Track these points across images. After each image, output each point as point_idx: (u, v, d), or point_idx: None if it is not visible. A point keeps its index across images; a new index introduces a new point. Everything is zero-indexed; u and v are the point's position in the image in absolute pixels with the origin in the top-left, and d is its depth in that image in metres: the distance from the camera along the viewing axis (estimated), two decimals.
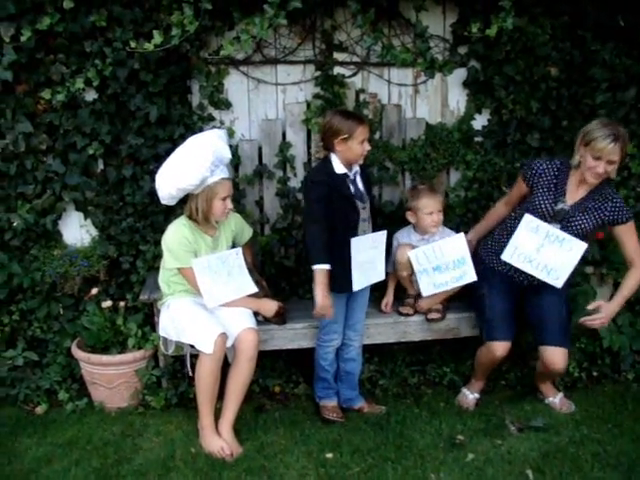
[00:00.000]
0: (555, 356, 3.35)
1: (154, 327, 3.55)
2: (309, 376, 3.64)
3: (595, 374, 3.87)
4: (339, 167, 3.21)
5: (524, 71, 3.81)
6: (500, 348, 3.39)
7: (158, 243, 3.48)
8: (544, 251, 3.28)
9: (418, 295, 3.64)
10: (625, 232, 3.32)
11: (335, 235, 3.17)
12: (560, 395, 3.62)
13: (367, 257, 3.27)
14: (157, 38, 3.30)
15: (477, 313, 3.58)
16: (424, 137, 3.91)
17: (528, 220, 3.29)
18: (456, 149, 3.92)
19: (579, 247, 3.26)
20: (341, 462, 3.09)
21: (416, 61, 3.68)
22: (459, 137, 3.92)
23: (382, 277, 3.42)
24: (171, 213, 3.63)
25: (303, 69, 3.82)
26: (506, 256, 3.35)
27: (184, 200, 3.26)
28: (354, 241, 3.18)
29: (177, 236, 3.23)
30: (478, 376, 3.64)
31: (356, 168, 3.27)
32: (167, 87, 3.62)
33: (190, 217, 3.26)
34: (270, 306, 3.41)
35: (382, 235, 3.34)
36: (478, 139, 3.97)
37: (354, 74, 3.85)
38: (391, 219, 3.87)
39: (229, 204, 3.24)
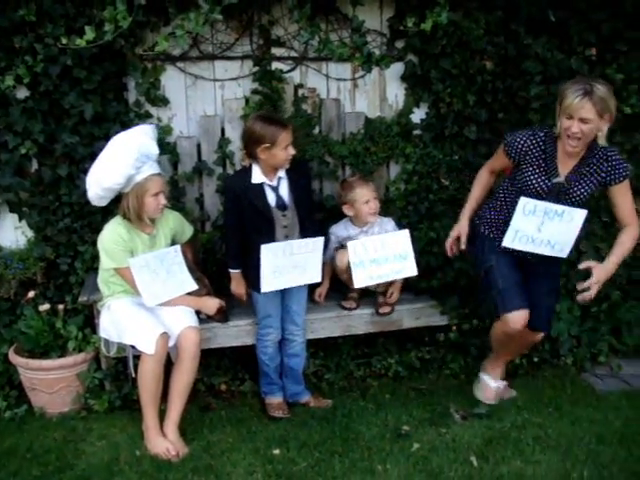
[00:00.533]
0: (535, 338, 3.38)
1: (95, 329, 3.50)
2: (255, 373, 3.64)
3: (535, 360, 3.96)
4: (258, 177, 3.25)
5: (460, 65, 3.87)
6: (519, 319, 3.18)
7: (96, 243, 3.42)
8: (545, 228, 3.13)
9: (362, 291, 3.68)
10: (620, 192, 3.13)
11: (251, 238, 3.29)
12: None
13: (290, 262, 3.27)
14: (89, 34, 3.24)
15: (488, 289, 3.33)
16: (363, 131, 3.94)
17: (524, 203, 3.11)
18: (395, 142, 3.96)
19: (579, 215, 3.10)
20: (288, 458, 3.11)
21: (353, 55, 3.71)
22: (398, 131, 3.96)
23: (316, 280, 3.43)
24: (109, 213, 3.56)
25: (241, 65, 3.80)
26: (507, 242, 3.19)
27: (120, 199, 3.22)
28: (264, 248, 3.19)
29: (112, 236, 3.19)
30: (500, 358, 3.52)
31: (280, 174, 3.29)
32: (102, 84, 3.56)
33: (124, 216, 3.22)
34: (211, 304, 3.40)
35: (319, 241, 3.33)
36: (417, 132, 4.01)
37: (292, 69, 3.85)
38: (333, 213, 3.89)
39: (162, 200, 3.21)
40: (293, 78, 3.86)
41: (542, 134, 3.15)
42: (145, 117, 3.70)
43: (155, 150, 3.22)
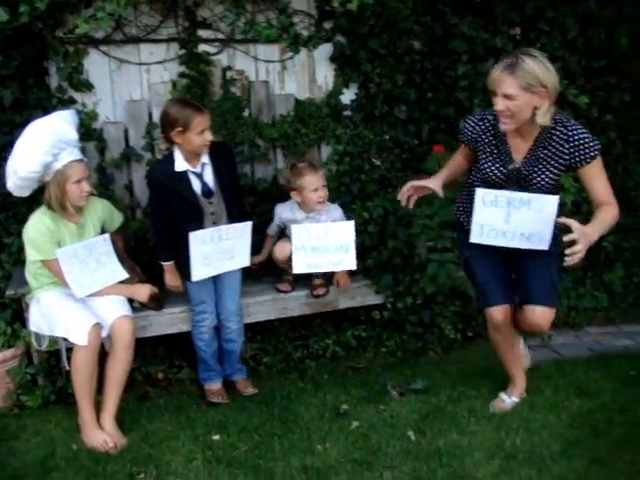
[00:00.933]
0: (542, 317, 3.02)
1: (24, 323, 3.41)
2: (192, 360, 3.62)
3: (470, 334, 4.06)
4: (181, 164, 3.21)
5: (388, 45, 3.91)
6: (498, 314, 3.07)
7: (22, 235, 3.33)
8: (513, 220, 2.87)
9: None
10: (591, 173, 2.85)
11: (179, 228, 3.25)
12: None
13: (219, 248, 3.26)
14: (3, 15, 3.14)
15: (470, 281, 3.29)
16: (293, 113, 3.94)
17: (482, 194, 2.90)
18: (326, 124, 3.97)
19: (549, 202, 2.82)
20: (228, 443, 3.11)
21: (281, 37, 3.70)
22: (328, 112, 3.98)
23: (245, 264, 3.43)
24: (34, 202, 3.46)
25: (167, 48, 3.75)
26: (475, 237, 2.96)
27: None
28: (192, 236, 3.17)
29: (38, 227, 3.11)
30: (509, 365, 3.32)
31: (204, 160, 3.26)
32: (21, 69, 3.45)
33: (49, 206, 3.15)
34: (143, 290, 3.37)
35: (246, 226, 3.33)
36: (347, 113, 4.04)
37: (219, 51, 3.82)
38: (265, 196, 3.90)
39: (85, 187, 3.14)
40: (221, 60, 3.83)
41: (492, 117, 2.93)
42: (69, 103, 3.61)
43: (73, 135, 3.14)
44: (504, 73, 2.69)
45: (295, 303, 3.70)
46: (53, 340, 3.26)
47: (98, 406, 3.18)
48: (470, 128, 2.98)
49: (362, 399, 3.47)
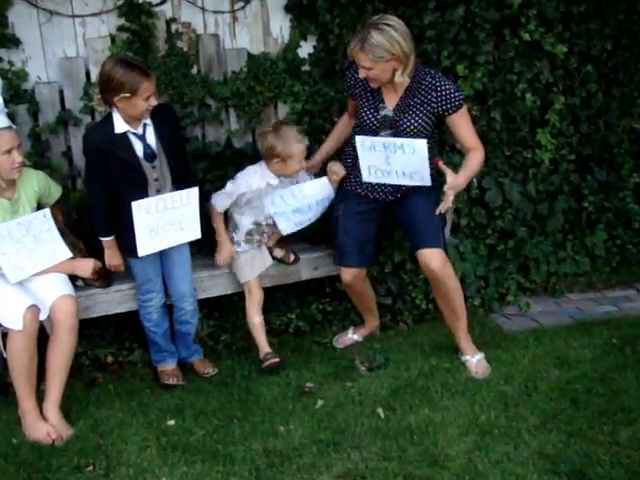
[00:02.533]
0: (429, 257, 3.33)
1: None
2: (145, 341, 3.58)
3: None
4: (120, 125, 3.13)
5: None
6: (347, 275, 3.54)
7: None
8: (392, 161, 3.24)
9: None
10: (457, 121, 3.29)
11: (120, 198, 3.18)
12: (479, 356, 3.53)
13: (165, 218, 3.20)
14: None
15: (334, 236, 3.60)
16: (246, 69, 3.87)
17: (360, 141, 3.27)
18: (282, 80, 3.91)
19: (419, 145, 3.19)
20: (184, 428, 3.10)
21: None
22: (285, 67, 3.91)
23: (196, 236, 3.37)
24: None
25: None
26: (365, 177, 3.35)
27: None
28: (135, 205, 3.10)
29: None
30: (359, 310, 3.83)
31: (146, 120, 3.17)
32: None
33: None
34: (85, 265, 3.29)
35: (193, 192, 3.25)
36: (305, 68, 3.98)
37: (163, 2, 3.71)
38: (217, 161, 3.84)
39: (17, 157, 3.01)
40: (164, 12, 3.73)
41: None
42: None
43: None
44: (356, 49, 3.11)
45: None
46: None
47: (41, 395, 3.13)
48: (353, 77, 3.36)
49: (328, 376, 3.48)
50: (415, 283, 3.94)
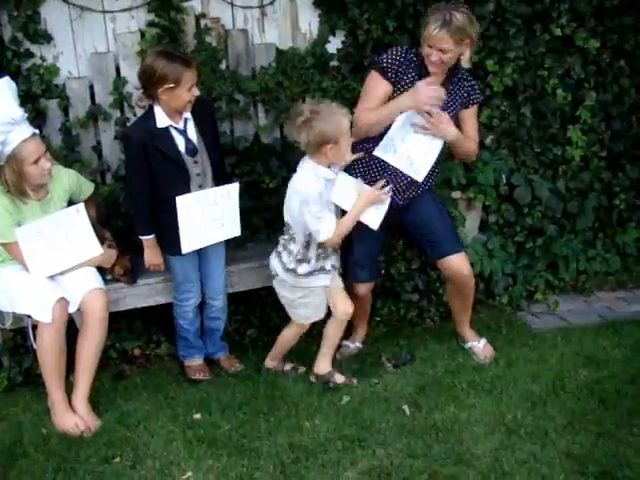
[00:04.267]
0: (460, 264, 3.41)
1: None
2: (171, 334, 3.61)
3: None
4: (162, 120, 3.12)
5: None
6: (364, 289, 3.56)
7: None
8: (409, 140, 3.22)
9: None
10: (471, 113, 3.39)
11: (162, 194, 3.17)
12: (483, 341, 3.66)
13: (208, 214, 3.21)
14: None
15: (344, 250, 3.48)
16: (275, 64, 3.88)
17: (410, 117, 3.19)
18: (310, 76, 3.91)
19: (448, 132, 3.23)
20: (210, 422, 3.12)
21: None
22: (313, 62, 3.91)
23: (236, 233, 3.39)
24: None
25: None
26: (379, 151, 3.25)
27: None
28: (180, 200, 3.11)
29: None
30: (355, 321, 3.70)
31: (187, 115, 3.18)
32: None
33: (7, 190, 3.05)
34: (109, 255, 3.32)
35: (233, 188, 3.27)
36: (334, 63, 3.98)
37: None
38: (245, 156, 3.85)
39: (45, 164, 3.03)
40: (194, 7, 3.74)
41: (412, 53, 3.29)
42: (25, 56, 3.52)
43: (16, 110, 2.98)
44: (442, 31, 3.08)
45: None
46: (18, 317, 3.20)
47: (70, 387, 3.16)
48: (397, 58, 3.26)
49: (354, 372, 3.48)
50: (442, 280, 3.91)
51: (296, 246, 3.16)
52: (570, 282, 4.39)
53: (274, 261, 3.26)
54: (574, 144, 4.23)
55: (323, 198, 3.06)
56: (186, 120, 3.18)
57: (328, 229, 3.05)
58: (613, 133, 4.41)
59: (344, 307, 3.33)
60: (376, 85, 3.28)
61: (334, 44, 3.97)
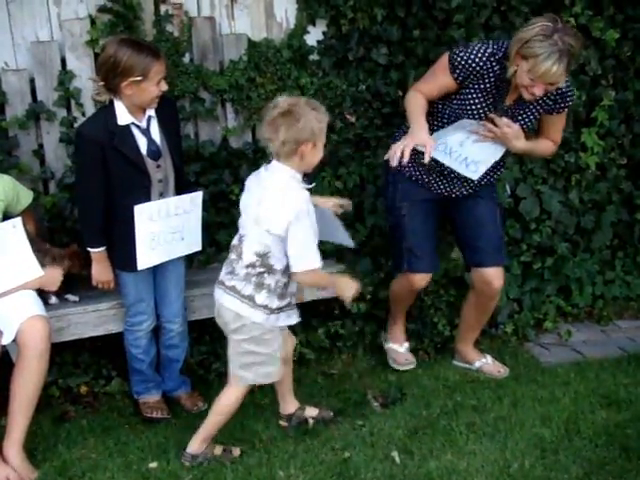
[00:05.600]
0: (494, 276, 3.53)
1: None
2: (124, 368, 3.56)
3: None
4: (124, 116, 3.11)
5: None
6: (423, 281, 3.59)
7: None
8: (467, 145, 3.33)
9: None
10: (558, 118, 3.43)
11: (116, 202, 3.15)
12: (489, 357, 3.80)
13: (167, 226, 3.19)
14: None
15: (394, 239, 3.65)
16: (246, 58, 3.88)
17: (467, 124, 3.30)
18: (287, 71, 3.92)
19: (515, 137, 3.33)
20: (169, 471, 3.07)
21: None
22: (290, 56, 3.92)
23: (196, 248, 3.39)
24: None
25: None
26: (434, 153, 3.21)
27: None
28: (138, 209, 3.08)
29: None
30: (398, 317, 3.82)
31: (150, 112, 3.17)
32: None
33: None
34: (54, 276, 3.27)
35: (196, 196, 3.26)
36: (314, 57, 3.99)
37: None
38: (211, 163, 3.84)
39: None
40: None
41: (495, 64, 3.22)
42: None
43: None
44: (560, 68, 3.02)
45: None
46: None
47: (2, 432, 3.10)
48: (476, 62, 3.22)
49: (336, 412, 3.44)
50: (437, 306, 3.92)
51: (274, 277, 2.95)
52: (585, 309, 4.39)
53: (246, 310, 2.96)
54: (589, 150, 4.23)
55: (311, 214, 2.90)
56: (150, 118, 3.18)
57: (315, 259, 2.87)
58: (634, 137, 4.41)
59: (292, 343, 3.38)
60: (440, 74, 3.32)
61: (314, 35, 3.98)
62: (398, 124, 3.95)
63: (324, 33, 3.97)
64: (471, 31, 3.96)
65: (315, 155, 2.89)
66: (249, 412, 3.44)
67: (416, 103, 3.31)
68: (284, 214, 2.80)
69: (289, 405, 3.36)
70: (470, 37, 3.95)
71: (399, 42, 3.96)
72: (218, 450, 3.16)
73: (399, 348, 3.83)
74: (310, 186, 2.97)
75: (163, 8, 3.76)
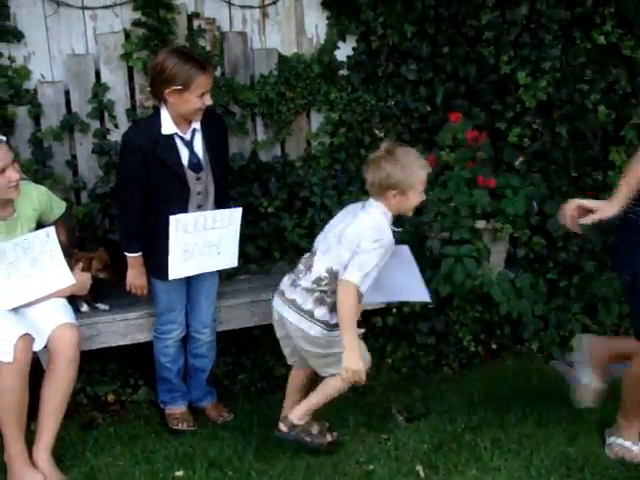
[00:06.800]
0: None
1: None
2: (151, 377, 3.59)
3: (494, 347, 4.04)
4: (168, 126, 3.14)
5: None
6: None
7: None
8: None
9: None
10: None
11: (155, 210, 3.18)
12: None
13: (203, 239, 3.21)
14: None
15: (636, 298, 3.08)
16: (277, 72, 3.92)
17: None
18: (317, 86, 3.95)
19: None
20: None
21: None
22: (320, 71, 3.95)
23: (232, 264, 3.40)
24: None
25: None
26: None
27: None
28: (174, 220, 3.11)
29: None
30: (633, 412, 3.23)
31: (196, 125, 3.20)
32: None
33: None
34: (83, 280, 3.29)
35: (236, 212, 3.28)
36: (343, 72, 4.01)
37: None
38: (241, 176, 3.86)
39: (13, 176, 3.02)
40: (186, 6, 3.79)
41: None
42: None
43: None
44: None
45: None
46: None
47: (32, 437, 3.11)
48: None
49: (360, 426, 3.46)
50: (463, 322, 3.91)
51: (335, 297, 3.00)
52: (611, 327, 4.33)
53: (305, 324, 3.03)
54: (617, 168, 4.20)
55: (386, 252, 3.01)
56: (194, 131, 3.21)
57: (360, 278, 2.93)
58: None
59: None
60: None
61: (344, 51, 4.01)
62: (427, 140, 4.01)
63: (354, 49, 3.99)
64: (500, 48, 3.97)
65: (404, 203, 3.04)
66: (273, 423, 3.31)
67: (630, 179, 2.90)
68: (367, 236, 2.95)
69: (295, 411, 3.24)
70: (500, 54, 3.96)
71: (428, 58, 3.99)
72: (315, 429, 3.24)
73: (631, 446, 3.20)
74: (397, 229, 3.09)
75: (196, 23, 3.80)
